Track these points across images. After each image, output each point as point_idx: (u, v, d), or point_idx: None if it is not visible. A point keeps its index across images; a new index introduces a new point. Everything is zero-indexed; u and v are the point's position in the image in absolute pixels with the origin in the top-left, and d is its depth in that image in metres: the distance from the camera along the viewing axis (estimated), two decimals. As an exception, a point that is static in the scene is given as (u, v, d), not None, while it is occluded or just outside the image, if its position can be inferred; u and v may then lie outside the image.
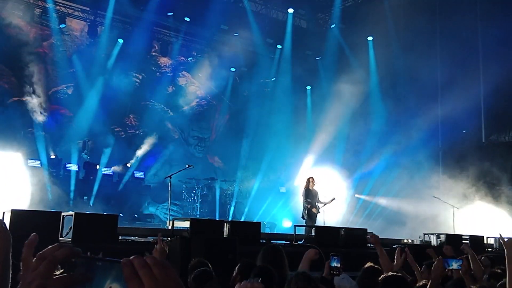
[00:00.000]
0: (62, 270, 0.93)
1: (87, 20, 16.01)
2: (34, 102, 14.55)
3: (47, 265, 0.91)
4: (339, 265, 3.42)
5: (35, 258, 0.93)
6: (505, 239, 3.12)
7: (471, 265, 4.18)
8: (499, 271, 4.13)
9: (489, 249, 10.09)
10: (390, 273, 3.69)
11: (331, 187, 14.55)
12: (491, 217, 14.24)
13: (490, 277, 4.03)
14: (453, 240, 9.73)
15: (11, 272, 2.29)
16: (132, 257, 0.86)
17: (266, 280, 3.33)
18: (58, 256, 0.91)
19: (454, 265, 3.74)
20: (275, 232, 13.72)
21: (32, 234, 1.15)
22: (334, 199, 11.74)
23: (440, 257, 3.79)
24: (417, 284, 3.90)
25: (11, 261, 2.28)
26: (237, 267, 4.02)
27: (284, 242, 8.86)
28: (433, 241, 10.17)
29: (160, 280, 0.85)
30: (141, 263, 0.85)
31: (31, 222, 6.05)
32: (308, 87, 19.26)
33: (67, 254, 0.92)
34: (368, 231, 9.49)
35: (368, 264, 3.97)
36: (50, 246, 0.93)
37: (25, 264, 1.00)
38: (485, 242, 10.59)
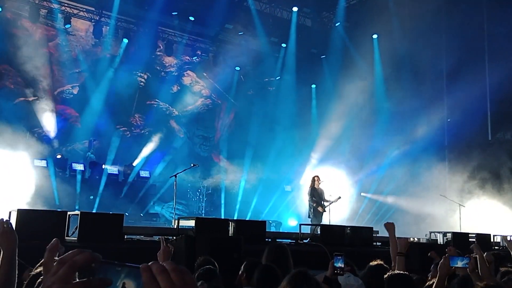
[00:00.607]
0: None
1: (92, 20, 16.06)
2: (40, 102, 14.63)
3: (67, 269, 0.92)
4: (343, 265, 3.40)
5: (55, 263, 0.95)
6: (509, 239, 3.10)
7: (479, 265, 4.14)
8: (506, 269, 4.10)
9: (496, 247, 10.03)
10: (396, 272, 3.68)
11: (337, 186, 14.52)
12: (497, 215, 14.17)
13: (504, 275, 3.99)
14: (460, 238, 9.70)
15: (17, 271, 2.31)
16: (150, 263, 0.88)
17: (270, 279, 3.33)
18: (78, 260, 0.93)
19: (460, 263, 3.71)
20: (280, 231, 13.71)
21: (54, 239, 1.15)
22: (340, 197, 11.71)
23: (446, 255, 3.77)
24: (426, 284, 3.88)
25: (17, 260, 2.30)
26: (242, 266, 4.02)
27: (289, 240, 8.85)
28: (440, 239, 10.13)
29: (178, 286, 0.86)
30: (160, 268, 0.87)
31: (37, 221, 6.08)
32: (313, 86, 19.23)
33: (87, 259, 0.93)
34: (374, 229, 9.48)
35: (375, 261, 3.94)
36: (70, 251, 0.95)
37: (46, 269, 1.00)
38: (492, 240, 10.54)
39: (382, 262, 3.98)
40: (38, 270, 3.06)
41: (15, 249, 2.24)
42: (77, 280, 0.92)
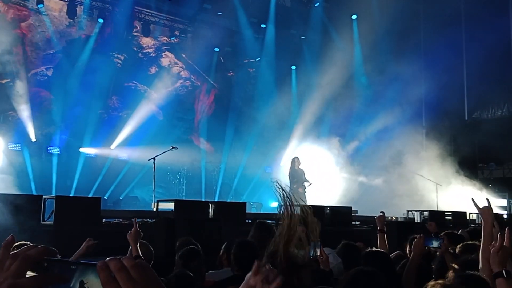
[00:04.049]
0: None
1: (66, 0, 15.59)
2: (13, 84, 14.23)
3: (19, 263, 0.87)
4: (318, 252, 3.40)
5: (8, 258, 0.90)
6: (481, 207, 3.13)
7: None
8: (471, 242, 4.12)
9: (472, 225, 10.26)
10: (374, 249, 3.71)
11: (317, 166, 14.63)
12: (473, 193, 14.46)
13: (464, 250, 4.01)
14: (436, 216, 9.89)
15: None
16: (108, 259, 0.82)
17: (247, 254, 3.31)
18: (31, 254, 0.88)
19: (435, 244, 3.77)
20: (261, 212, 13.76)
21: (10, 235, 1.12)
22: (310, 184, 12.09)
23: (422, 235, 3.83)
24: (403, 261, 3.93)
25: None
26: (223, 247, 4.02)
27: (270, 221, 8.87)
28: (417, 218, 10.31)
29: (139, 283, 0.81)
30: (118, 265, 0.81)
31: (13, 205, 5.95)
32: (293, 67, 19.16)
33: (40, 252, 0.88)
34: (353, 209, 9.58)
35: (344, 241, 4.03)
36: (25, 246, 0.91)
37: (0, 265, 0.96)
38: (468, 218, 10.78)
39: (348, 241, 4.08)
40: None
41: None
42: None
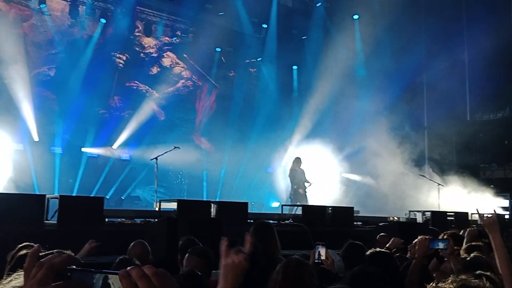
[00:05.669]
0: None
1: (68, 0, 15.62)
2: (15, 84, 14.23)
3: (44, 271, 0.91)
4: (324, 254, 3.41)
5: (35, 267, 0.93)
6: (484, 216, 3.11)
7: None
8: (476, 243, 4.11)
9: (474, 225, 10.26)
10: (378, 249, 3.72)
11: (318, 166, 14.63)
12: (475, 194, 14.47)
13: (468, 250, 4.00)
14: (438, 217, 9.90)
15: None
16: (129, 268, 0.86)
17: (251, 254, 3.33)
18: (56, 262, 0.91)
19: (441, 245, 3.75)
20: (262, 212, 13.76)
21: (36, 245, 1.15)
22: (311, 184, 12.11)
23: (427, 236, 3.81)
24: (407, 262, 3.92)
25: None
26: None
27: (271, 221, 8.89)
28: (419, 218, 10.32)
29: None
30: (139, 273, 0.85)
31: (16, 205, 5.97)
32: (294, 67, 19.17)
33: (65, 261, 0.91)
34: (354, 209, 9.59)
35: (350, 240, 4.04)
36: (50, 255, 0.94)
37: (27, 274, 1.00)
38: (470, 218, 10.78)
39: (353, 240, 4.07)
40: (23, 252, 3.03)
41: None
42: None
